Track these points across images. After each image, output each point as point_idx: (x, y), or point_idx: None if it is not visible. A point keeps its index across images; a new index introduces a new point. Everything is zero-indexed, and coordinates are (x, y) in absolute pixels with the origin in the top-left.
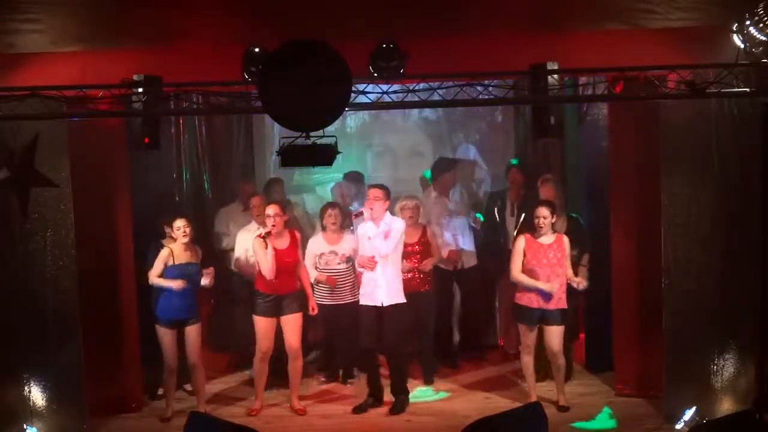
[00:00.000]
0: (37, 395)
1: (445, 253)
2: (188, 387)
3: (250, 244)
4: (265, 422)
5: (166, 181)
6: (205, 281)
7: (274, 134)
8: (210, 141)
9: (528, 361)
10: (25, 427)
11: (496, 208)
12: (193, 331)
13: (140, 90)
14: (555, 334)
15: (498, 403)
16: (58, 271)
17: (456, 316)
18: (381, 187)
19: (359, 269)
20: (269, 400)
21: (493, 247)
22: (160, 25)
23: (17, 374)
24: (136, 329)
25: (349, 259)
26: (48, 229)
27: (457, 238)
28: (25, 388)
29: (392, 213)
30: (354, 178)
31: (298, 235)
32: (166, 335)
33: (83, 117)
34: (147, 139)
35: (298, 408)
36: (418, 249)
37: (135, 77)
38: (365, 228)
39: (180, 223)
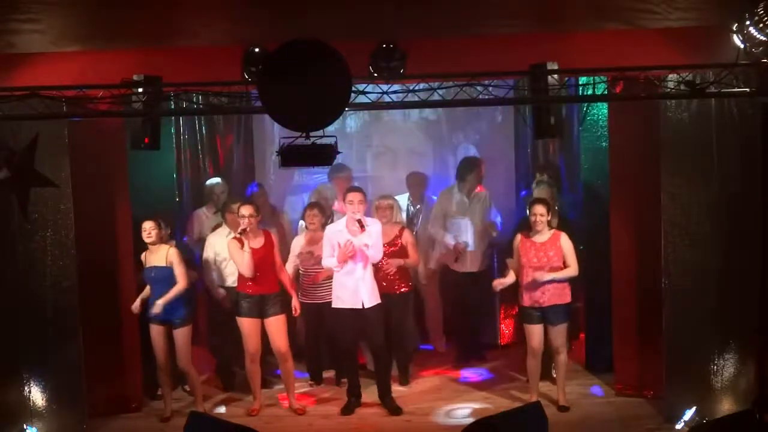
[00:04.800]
0: (37, 395)
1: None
2: (188, 387)
3: (219, 248)
4: (265, 422)
5: (166, 181)
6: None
7: (274, 134)
8: (210, 141)
9: (532, 362)
10: (25, 427)
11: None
12: (179, 334)
13: (140, 90)
14: (557, 331)
15: (498, 403)
16: (58, 271)
17: (458, 316)
18: (361, 189)
19: (335, 268)
20: (269, 401)
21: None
22: (160, 25)
23: (17, 374)
24: (136, 329)
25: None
26: (48, 229)
27: (458, 240)
28: (25, 388)
29: (369, 213)
30: (340, 170)
31: (273, 236)
32: (154, 333)
33: (83, 117)
34: (147, 139)
35: (298, 408)
36: (388, 250)
37: (135, 77)
38: (360, 238)
39: (146, 225)
